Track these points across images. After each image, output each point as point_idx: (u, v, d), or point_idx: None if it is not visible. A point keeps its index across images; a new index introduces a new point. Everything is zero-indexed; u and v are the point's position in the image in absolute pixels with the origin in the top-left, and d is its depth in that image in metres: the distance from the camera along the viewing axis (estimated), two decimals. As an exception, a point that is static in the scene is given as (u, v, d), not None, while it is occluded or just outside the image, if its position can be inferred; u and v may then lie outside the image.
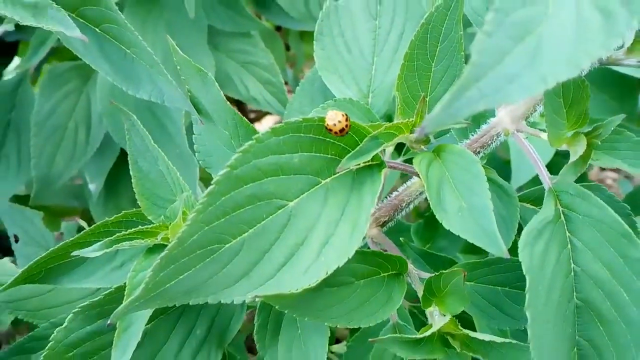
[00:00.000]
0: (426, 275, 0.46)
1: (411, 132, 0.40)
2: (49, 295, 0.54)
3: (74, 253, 0.40)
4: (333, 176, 0.39)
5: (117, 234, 0.40)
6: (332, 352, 0.57)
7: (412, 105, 0.41)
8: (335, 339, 0.60)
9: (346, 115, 0.38)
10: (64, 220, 0.97)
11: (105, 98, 0.59)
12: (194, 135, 0.48)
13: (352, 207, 0.38)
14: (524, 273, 0.36)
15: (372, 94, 0.55)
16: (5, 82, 0.69)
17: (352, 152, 0.38)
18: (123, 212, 0.43)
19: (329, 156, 0.39)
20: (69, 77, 0.65)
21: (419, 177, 0.46)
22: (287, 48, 1.26)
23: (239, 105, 1.06)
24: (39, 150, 0.63)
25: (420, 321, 0.45)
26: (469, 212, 0.37)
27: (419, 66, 0.41)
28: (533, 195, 0.48)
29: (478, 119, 0.45)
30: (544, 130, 0.42)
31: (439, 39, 0.39)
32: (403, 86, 0.41)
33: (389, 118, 0.55)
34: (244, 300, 0.37)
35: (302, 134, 0.37)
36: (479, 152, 0.45)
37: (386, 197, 0.49)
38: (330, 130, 0.38)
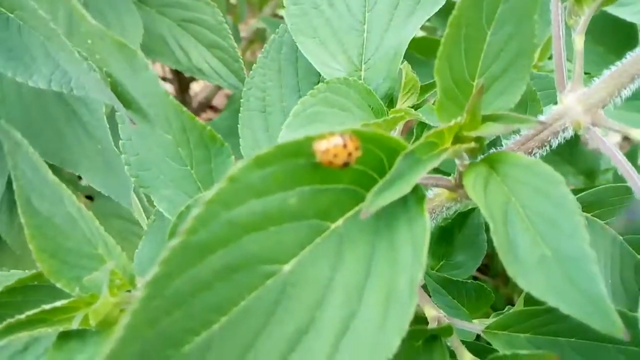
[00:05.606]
0: (463, 324, 0.34)
1: (457, 139, 0.27)
2: None
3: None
4: (346, 215, 0.25)
5: (9, 321, 0.25)
6: None
7: (454, 95, 0.27)
8: None
9: (350, 134, 0.24)
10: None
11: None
12: (121, 141, 0.32)
13: (382, 263, 0.24)
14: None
15: (365, 64, 0.41)
16: None
17: (382, 181, 0.24)
18: (17, 278, 0.28)
19: (341, 186, 0.24)
20: None
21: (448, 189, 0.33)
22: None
23: (179, 78, 0.88)
24: None
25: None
26: (556, 264, 0.25)
27: (467, 36, 0.26)
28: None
29: (534, 107, 0.32)
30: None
31: (502, -5, 0.25)
32: (444, 69, 0.26)
33: (390, 99, 0.41)
34: None
35: (300, 160, 0.23)
36: (534, 154, 0.32)
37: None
38: (328, 164, 0.23)
